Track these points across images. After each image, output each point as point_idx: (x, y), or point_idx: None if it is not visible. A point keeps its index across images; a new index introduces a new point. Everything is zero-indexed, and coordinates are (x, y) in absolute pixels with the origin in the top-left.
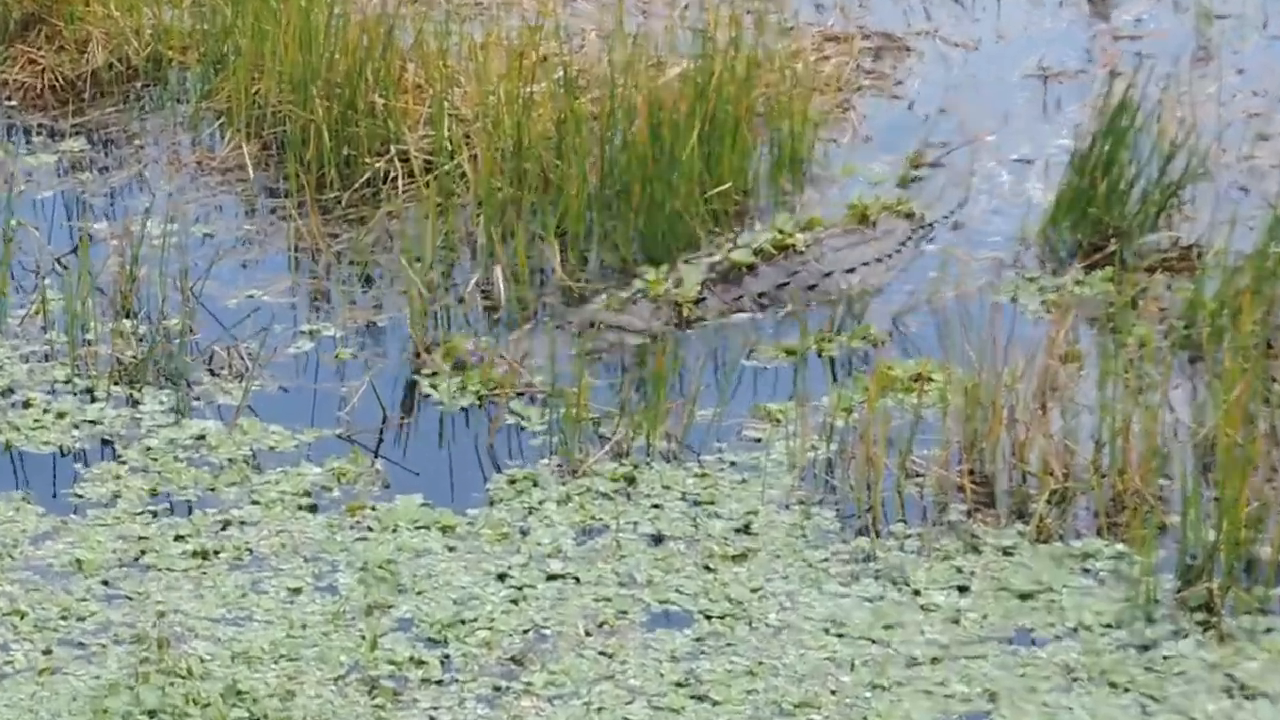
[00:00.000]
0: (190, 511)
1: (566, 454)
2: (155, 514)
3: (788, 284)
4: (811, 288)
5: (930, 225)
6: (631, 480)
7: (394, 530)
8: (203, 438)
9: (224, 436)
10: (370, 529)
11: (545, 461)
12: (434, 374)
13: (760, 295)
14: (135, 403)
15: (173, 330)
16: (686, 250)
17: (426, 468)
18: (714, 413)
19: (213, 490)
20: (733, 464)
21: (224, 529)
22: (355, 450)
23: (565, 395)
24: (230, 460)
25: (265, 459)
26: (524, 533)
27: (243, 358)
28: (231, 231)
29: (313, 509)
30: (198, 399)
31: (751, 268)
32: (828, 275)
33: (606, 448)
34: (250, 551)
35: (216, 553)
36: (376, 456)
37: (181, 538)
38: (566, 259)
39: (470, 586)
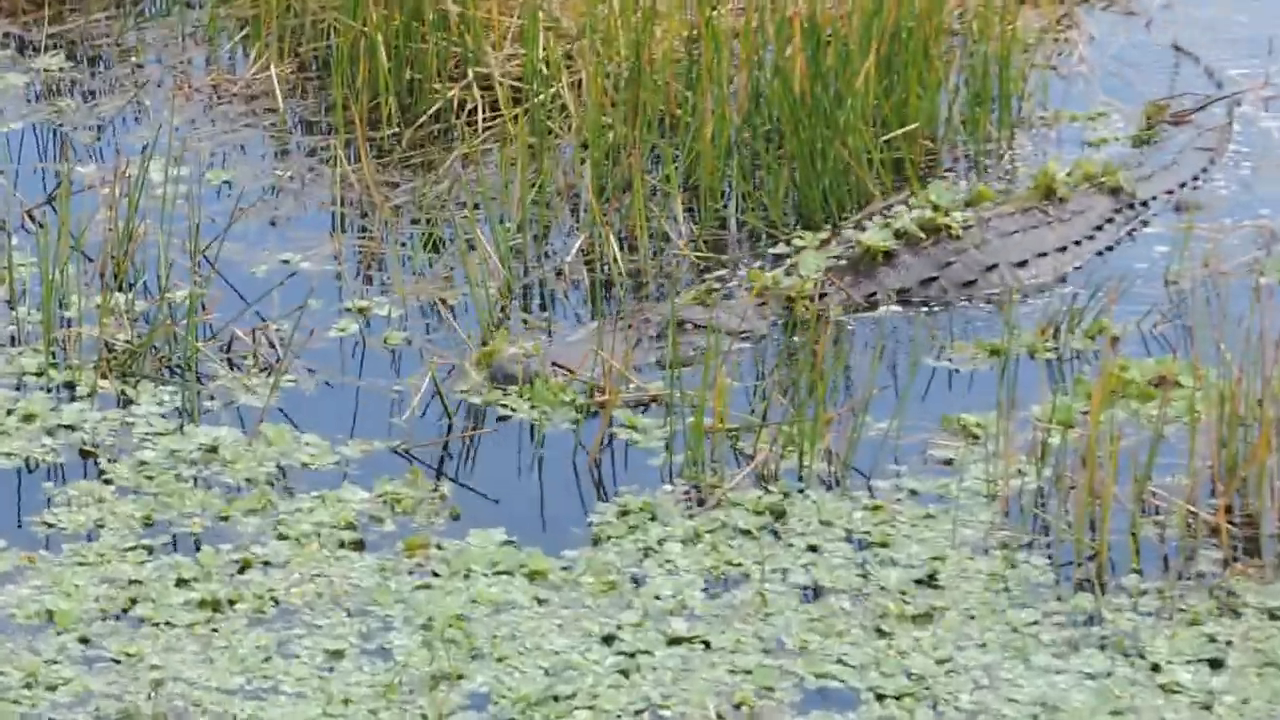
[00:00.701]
0: (197, 548)
1: (695, 478)
2: (151, 550)
3: (936, 279)
4: (968, 284)
5: (1143, 204)
6: (780, 513)
7: (466, 576)
8: (215, 450)
9: (243, 449)
10: (435, 574)
11: (667, 488)
12: (466, 392)
13: (900, 292)
14: (128, 402)
15: (179, 307)
16: (858, 213)
17: (509, 494)
18: (889, 425)
19: (226, 520)
20: (913, 493)
21: (241, 572)
22: (415, 470)
23: (686, 398)
24: (250, 480)
25: (297, 479)
26: (638, 581)
27: (271, 344)
28: (257, 178)
29: (358, 546)
30: (210, 398)
31: (890, 255)
32: (990, 269)
33: (747, 470)
34: (275, 602)
35: (231, 603)
36: (442, 478)
37: (185, 583)
38: (697, 221)
39: (567, 652)
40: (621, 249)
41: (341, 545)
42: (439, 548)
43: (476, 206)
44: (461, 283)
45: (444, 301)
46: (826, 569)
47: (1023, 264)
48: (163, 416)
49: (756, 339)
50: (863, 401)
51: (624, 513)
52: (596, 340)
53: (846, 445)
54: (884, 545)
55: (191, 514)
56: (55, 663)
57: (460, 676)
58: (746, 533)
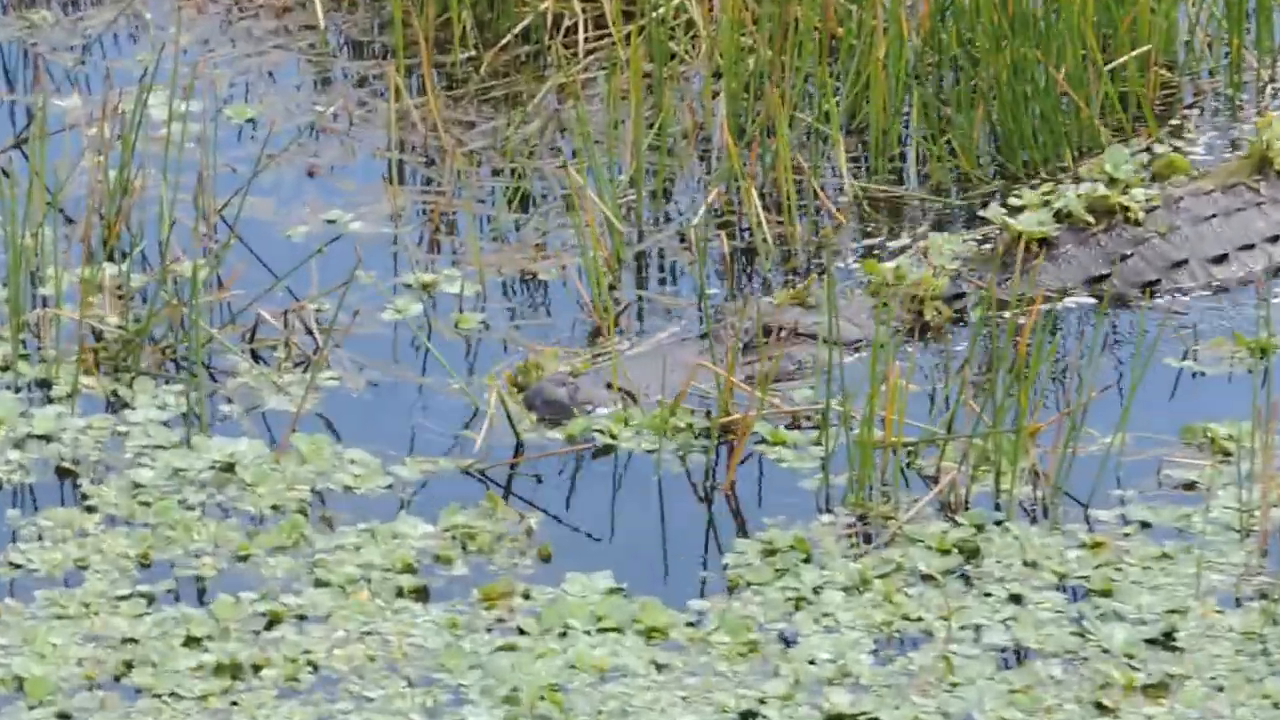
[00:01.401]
0: (208, 596)
1: (861, 507)
2: (150, 600)
3: (1106, 276)
4: (1148, 285)
5: None
6: (972, 552)
7: (562, 634)
8: (231, 469)
9: (268, 467)
10: (521, 632)
11: (825, 520)
12: (516, 421)
13: (1060, 294)
14: (120, 405)
15: (187, 282)
16: (1078, 161)
17: (617, 528)
18: (1113, 439)
19: (247, 560)
20: (1145, 526)
21: (269, 628)
22: (493, 496)
23: (847, 406)
24: (277, 509)
25: (339, 507)
26: (787, 641)
27: (308, 330)
28: (291, 116)
29: (421, 595)
30: (228, 401)
31: (1047, 245)
32: (1178, 265)
33: (929, 496)
34: (314, 668)
35: (256, 669)
36: (530, 508)
37: (195, 642)
38: (866, 173)
39: None
40: (766, 208)
41: (399, 594)
42: (526, 597)
43: (577, 153)
44: (558, 250)
45: (534, 275)
46: (1031, 625)
47: (1221, 259)
48: (165, 424)
49: (868, 347)
50: (1079, 408)
51: (769, 552)
52: (668, 354)
53: (1058, 464)
54: (1106, 594)
55: (202, 552)
56: None
57: None
58: (928, 578)
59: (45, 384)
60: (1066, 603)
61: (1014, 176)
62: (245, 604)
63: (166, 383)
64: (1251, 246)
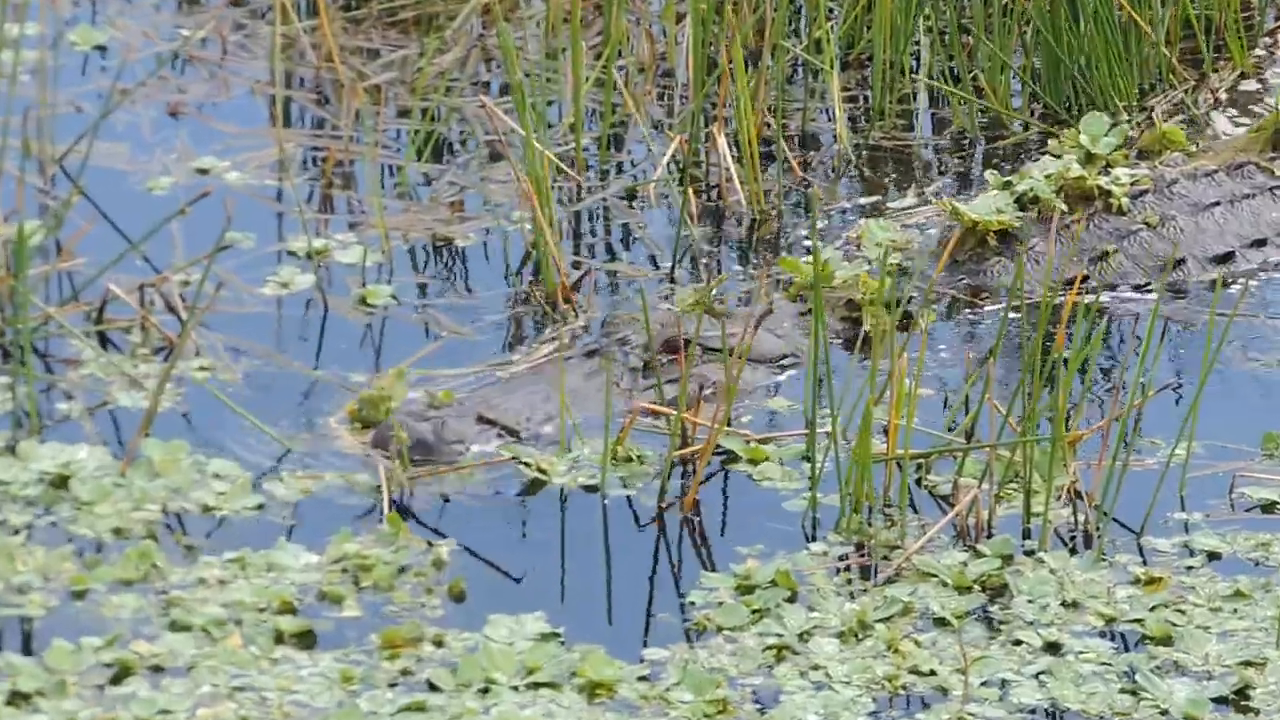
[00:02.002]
0: (37, 641)
1: (858, 534)
2: None
3: (1085, 279)
4: (1137, 289)
5: None
6: (998, 590)
7: (484, 691)
8: (65, 483)
9: (111, 482)
10: (433, 687)
11: (815, 550)
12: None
13: (1021, 292)
14: None
15: (14, 241)
16: (1143, 99)
17: (549, 558)
18: (1171, 450)
19: (84, 597)
20: (1213, 557)
21: (116, 681)
22: (394, 519)
23: (834, 413)
24: (121, 533)
25: (200, 530)
26: (762, 701)
27: (170, 308)
28: (150, 41)
29: (306, 641)
30: (67, 397)
31: (1005, 238)
32: (1177, 264)
33: (944, 522)
34: None
35: None
36: (439, 536)
37: (23, 698)
38: (870, 114)
39: None
40: (739, 161)
41: (278, 639)
42: (438, 645)
43: (507, 91)
44: (480, 211)
45: (449, 241)
46: (1071, 681)
47: (1225, 257)
48: None
49: (786, 363)
50: (1130, 412)
51: (744, 589)
52: (550, 378)
53: (1104, 481)
54: (1165, 642)
55: (27, 586)
56: None
57: None
58: (942, 622)
59: None
60: (1115, 653)
61: (1057, 120)
62: (86, 651)
63: None
64: (1263, 242)
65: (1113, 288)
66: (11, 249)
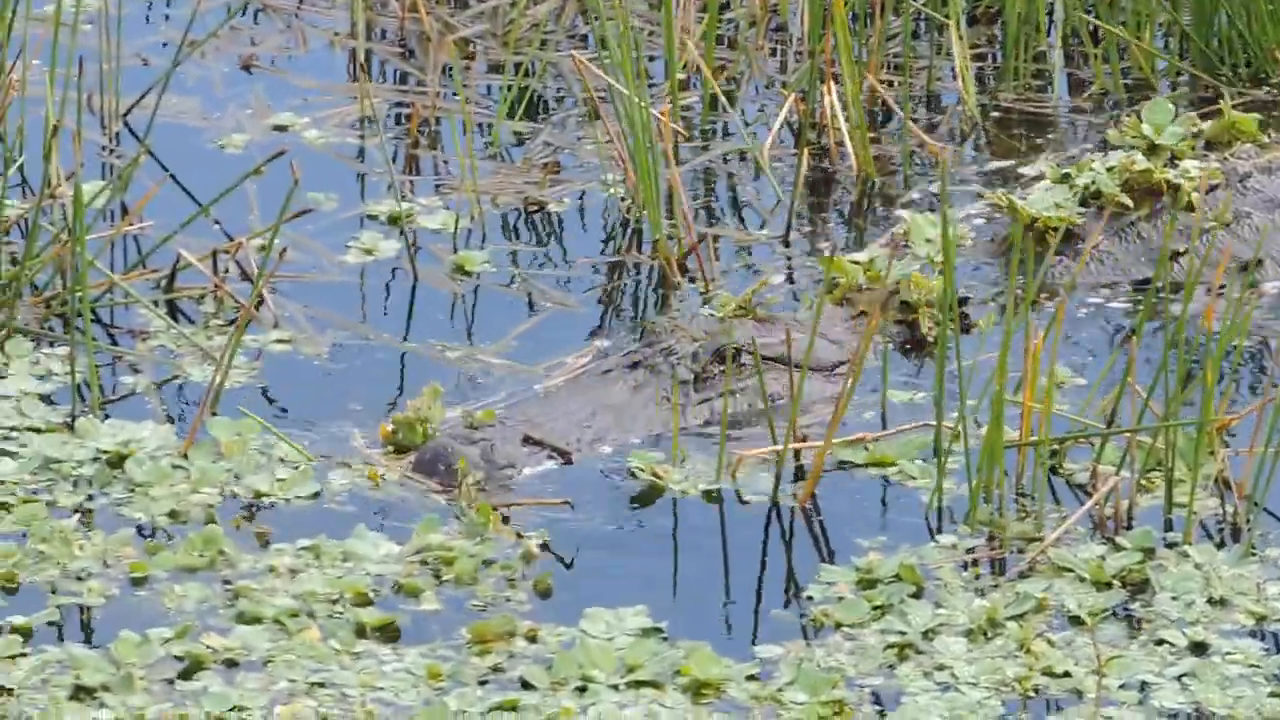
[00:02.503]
0: (99, 633)
1: (989, 524)
2: (26, 636)
3: (1147, 282)
4: (1211, 291)
5: None
6: (1139, 586)
7: (581, 690)
8: (121, 462)
9: (170, 464)
10: (526, 685)
11: (943, 542)
12: (374, 473)
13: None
14: None
15: (72, 203)
16: None
17: (653, 551)
18: None
19: (144, 586)
20: None
21: (187, 676)
22: (484, 506)
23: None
24: (176, 516)
25: (270, 517)
26: (882, 701)
27: (245, 275)
28: None
29: (389, 635)
30: (133, 370)
31: (1069, 233)
32: (1245, 266)
33: (1081, 512)
34: None
35: None
36: (533, 526)
37: (87, 693)
38: (1000, 74)
39: None
40: (854, 122)
41: (359, 633)
42: (531, 640)
43: (604, 44)
44: (577, 174)
45: (542, 206)
46: (1216, 684)
47: None
48: (43, 399)
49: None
50: None
51: (866, 583)
52: (590, 393)
53: (1255, 469)
54: None
55: (87, 574)
56: None
57: None
58: (1078, 620)
59: None
60: (1265, 654)
61: (1212, 84)
62: (154, 644)
63: (50, 345)
64: None
65: (1179, 288)
66: (72, 210)
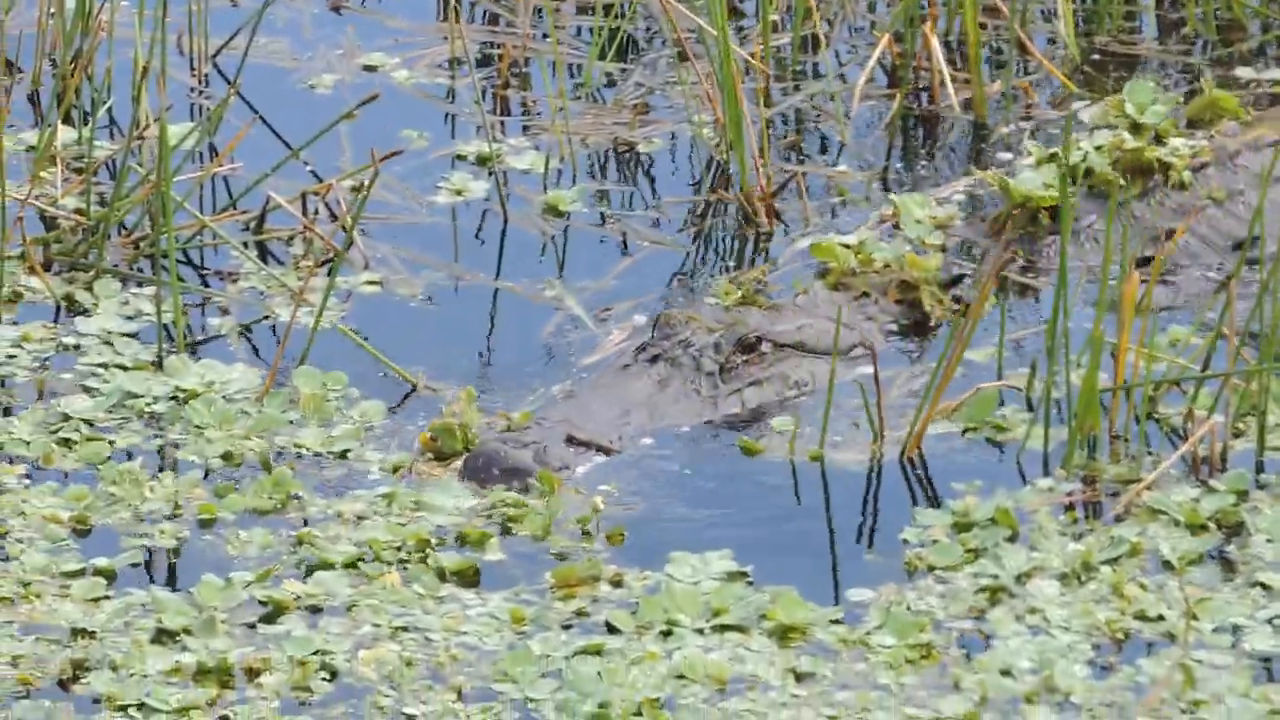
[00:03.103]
0: (170, 578)
1: (1085, 468)
2: (110, 579)
3: (1149, 259)
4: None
5: None
6: (1234, 529)
7: (666, 634)
8: (191, 399)
9: (236, 409)
10: (611, 629)
11: (1041, 485)
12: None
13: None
14: (72, 308)
15: (172, 154)
16: None
17: (736, 491)
18: None
19: (210, 526)
20: None
21: (270, 620)
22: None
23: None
24: (230, 458)
25: (351, 469)
26: (973, 646)
27: (333, 216)
28: None
29: (468, 579)
30: (221, 311)
31: (1059, 214)
32: (1252, 242)
33: (1176, 455)
34: (330, 675)
35: (252, 674)
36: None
37: (168, 638)
38: (1091, 17)
39: None
40: (955, 62)
41: (442, 577)
42: (615, 584)
43: None
44: (666, 114)
45: (632, 147)
46: None
47: None
48: (132, 338)
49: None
50: None
51: (961, 527)
52: (615, 391)
53: None
54: None
55: (155, 515)
56: None
57: None
58: (1171, 565)
59: None
60: None
61: None
62: (236, 588)
63: (138, 285)
64: None
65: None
66: (171, 156)
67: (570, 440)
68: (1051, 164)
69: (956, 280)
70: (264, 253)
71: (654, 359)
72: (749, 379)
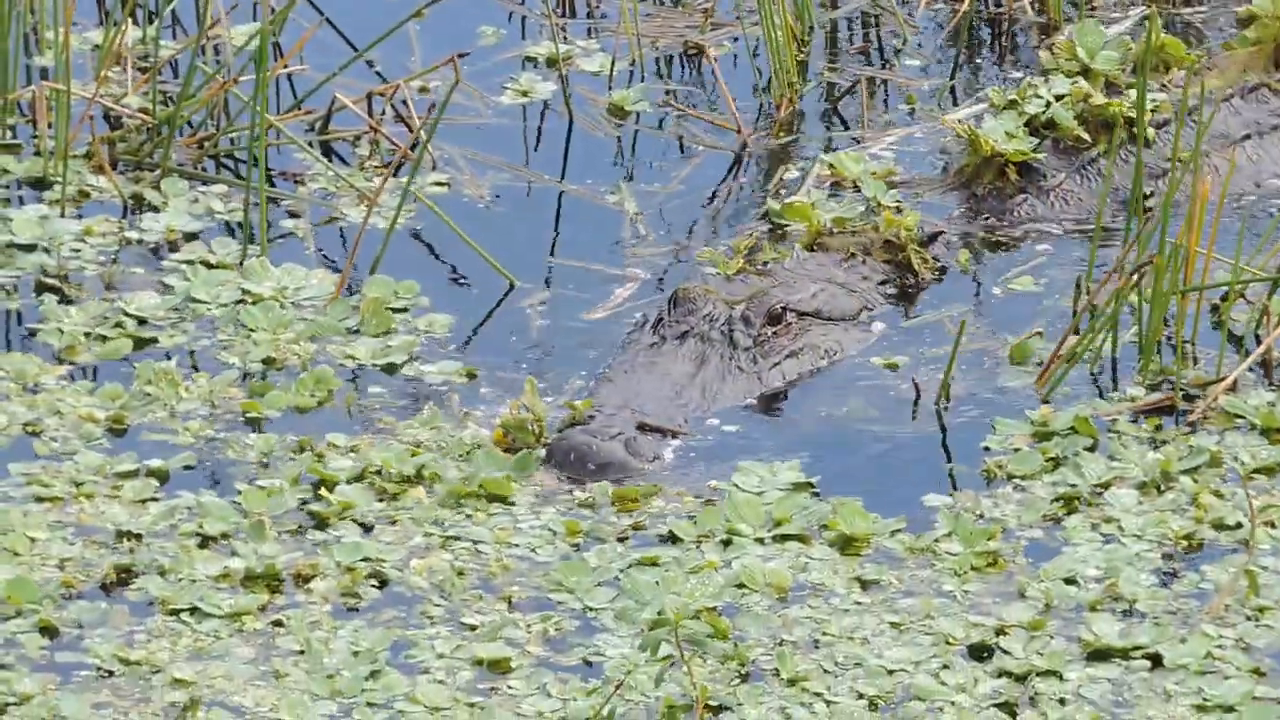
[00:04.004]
0: (223, 481)
1: (1161, 374)
2: (163, 479)
3: (1082, 220)
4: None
5: None
6: None
7: (726, 543)
8: (282, 298)
9: (291, 315)
10: (670, 538)
11: (1116, 395)
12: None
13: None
14: (138, 205)
15: (240, 53)
16: None
17: (801, 399)
18: None
19: (257, 430)
20: None
21: (320, 527)
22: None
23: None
24: (271, 362)
25: (397, 384)
26: (1036, 556)
27: (400, 117)
28: None
29: (522, 496)
30: (290, 214)
31: (1028, 173)
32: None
33: (1257, 353)
34: (380, 583)
35: (303, 581)
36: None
37: (212, 541)
38: None
39: (909, 672)
40: None
41: (473, 495)
42: (677, 498)
43: None
44: (730, 15)
45: (700, 49)
46: None
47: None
48: (197, 240)
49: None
50: None
51: (1041, 435)
52: (653, 371)
53: None
54: None
55: (187, 412)
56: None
57: (719, 709)
58: (1258, 473)
59: (41, 184)
60: None
61: None
62: (285, 494)
63: (203, 184)
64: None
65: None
66: (239, 56)
67: (641, 427)
68: (1012, 110)
69: (933, 238)
70: (328, 153)
71: (682, 335)
72: (785, 351)
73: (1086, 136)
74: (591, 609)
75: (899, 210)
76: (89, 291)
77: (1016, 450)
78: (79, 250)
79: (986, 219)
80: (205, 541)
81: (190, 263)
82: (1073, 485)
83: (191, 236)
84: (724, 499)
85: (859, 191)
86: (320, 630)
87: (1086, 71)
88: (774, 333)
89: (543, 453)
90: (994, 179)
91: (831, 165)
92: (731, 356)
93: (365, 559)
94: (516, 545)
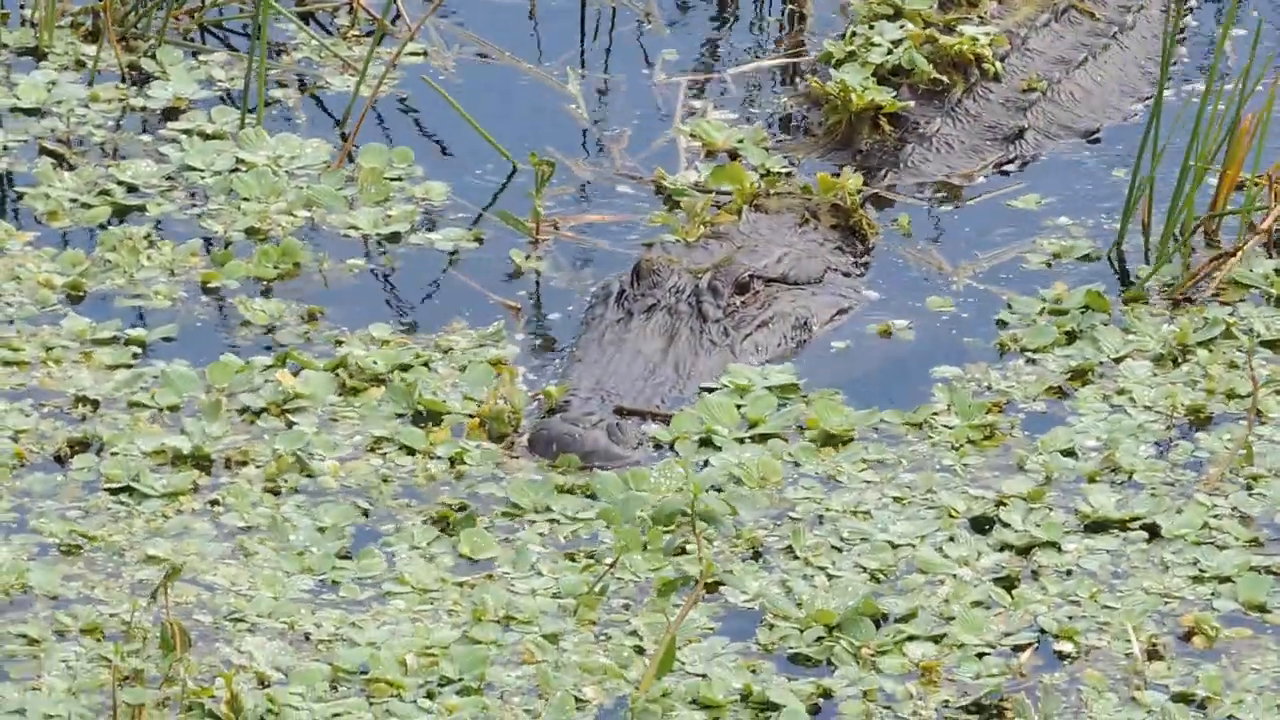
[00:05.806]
0: (181, 348)
1: (1176, 249)
2: (142, 347)
3: (1009, 161)
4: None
5: None
6: None
7: (702, 444)
8: (277, 166)
9: (289, 185)
10: (671, 449)
11: (1130, 272)
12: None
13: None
14: (138, 76)
15: None
16: None
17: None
18: None
19: (215, 294)
20: None
21: (259, 414)
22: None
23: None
24: (254, 232)
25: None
26: (1033, 429)
27: None
28: None
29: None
30: (278, 83)
31: (897, 119)
32: (1091, 134)
33: (1268, 220)
34: (309, 475)
35: (240, 463)
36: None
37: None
38: None
39: (909, 544)
40: None
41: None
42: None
43: None
44: None
45: None
46: None
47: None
48: (193, 106)
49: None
50: None
51: (1056, 311)
52: (630, 350)
53: None
54: None
55: (147, 279)
56: None
57: (716, 585)
58: (1267, 343)
59: (34, 54)
60: None
61: None
62: (252, 371)
63: (195, 55)
64: (1147, 98)
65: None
66: None
67: (620, 411)
68: (854, 62)
69: (866, 200)
70: (309, 22)
71: (649, 309)
72: (755, 321)
73: (944, 78)
74: (571, 518)
75: (789, 175)
76: (89, 158)
77: (1031, 323)
78: (85, 116)
79: (882, 174)
80: (159, 416)
81: (188, 132)
82: (1087, 358)
83: (205, 105)
84: (697, 403)
85: (735, 160)
86: (263, 508)
87: (899, 13)
88: (743, 302)
89: (524, 440)
90: (870, 133)
91: (693, 134)
92: (702, 330)
93: (302, 449)
94: (466, 464)
